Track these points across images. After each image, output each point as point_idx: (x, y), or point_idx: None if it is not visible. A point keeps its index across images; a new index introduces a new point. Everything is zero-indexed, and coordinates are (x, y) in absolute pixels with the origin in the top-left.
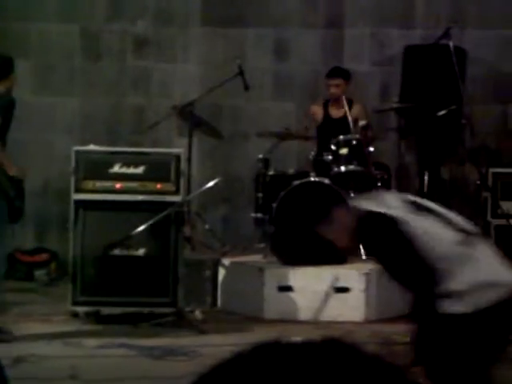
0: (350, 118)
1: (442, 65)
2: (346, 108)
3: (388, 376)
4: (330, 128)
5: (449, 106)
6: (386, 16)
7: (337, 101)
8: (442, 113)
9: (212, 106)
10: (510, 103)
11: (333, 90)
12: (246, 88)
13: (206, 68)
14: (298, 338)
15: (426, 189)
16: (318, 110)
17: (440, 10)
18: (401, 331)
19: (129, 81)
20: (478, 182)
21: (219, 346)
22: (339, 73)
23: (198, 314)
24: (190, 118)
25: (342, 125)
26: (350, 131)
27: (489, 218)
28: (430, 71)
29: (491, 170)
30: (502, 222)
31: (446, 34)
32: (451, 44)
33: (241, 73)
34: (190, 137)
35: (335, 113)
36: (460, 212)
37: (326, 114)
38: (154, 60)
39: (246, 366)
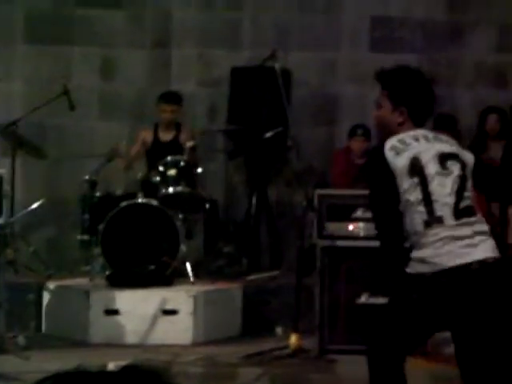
0: (186, 143)
1: (269, 86)
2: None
3: None
4: (160, 152)
5: (275, 128)
6: (213, 37)
7: (167, 124)
8: (268, 135)
9: (36, 126)
10: (334, 124)
11: (167, 115)
12: (72, 108)
13: (31, 87)
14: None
15: (253, 209)
16: (147, 135)
17: (266, 32)
18: (228, 352)
19: None
20: (305, 204)
21: (42, 372)
22: (174, 99)
23: (21, 339)
24: (13, 138)
25: (171, 148)
26: (180, 154)
27: (315, 239)
28: (257, 93)
29: (317, 192)
30: (328, 242)
31: (272, 56)
32: (277, 66)
33: (66, 92)
34: (14, 157)
35: (164, 136)
36: (287, 233)
37: (156, 138)
38: None
39: None
